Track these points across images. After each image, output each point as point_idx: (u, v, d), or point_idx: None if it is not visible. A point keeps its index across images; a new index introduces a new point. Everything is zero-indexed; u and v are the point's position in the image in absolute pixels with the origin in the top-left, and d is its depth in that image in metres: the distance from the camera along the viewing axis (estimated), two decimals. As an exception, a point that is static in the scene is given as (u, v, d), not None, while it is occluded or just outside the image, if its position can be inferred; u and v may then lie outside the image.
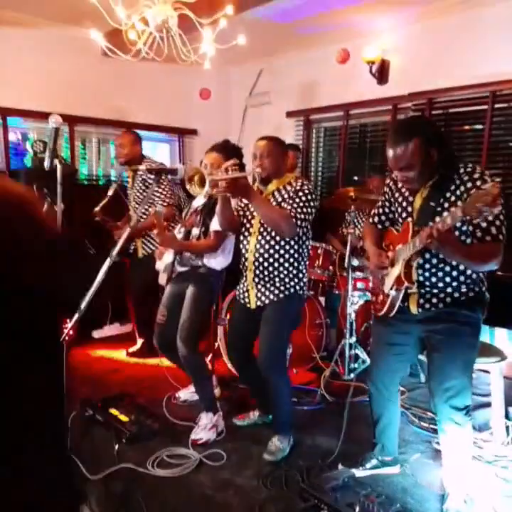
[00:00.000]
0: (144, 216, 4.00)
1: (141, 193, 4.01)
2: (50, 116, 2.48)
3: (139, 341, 4.26)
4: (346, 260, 3.79)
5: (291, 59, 5.61)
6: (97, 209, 4.02)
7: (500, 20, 3.97)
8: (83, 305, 2.05)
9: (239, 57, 5.59)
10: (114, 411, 3.02)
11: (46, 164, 2.53)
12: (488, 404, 3.02)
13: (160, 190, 3.90)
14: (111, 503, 2.50)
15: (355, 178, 5.31)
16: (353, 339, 3.79)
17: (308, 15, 4.47)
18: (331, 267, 4.12)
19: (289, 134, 5.58)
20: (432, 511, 2.30)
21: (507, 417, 2.98)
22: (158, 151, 6.45)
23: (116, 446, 2.71)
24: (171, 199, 3.94)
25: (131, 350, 4.28)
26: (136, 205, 4.05)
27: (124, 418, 2.94)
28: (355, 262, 3.81)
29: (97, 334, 4.63)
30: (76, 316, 2.06)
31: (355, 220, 4.37)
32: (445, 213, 2.10)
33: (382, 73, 4.77)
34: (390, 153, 2.14)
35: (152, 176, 3.77)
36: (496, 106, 4.14)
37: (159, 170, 2.84)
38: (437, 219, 2.10)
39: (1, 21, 4.56)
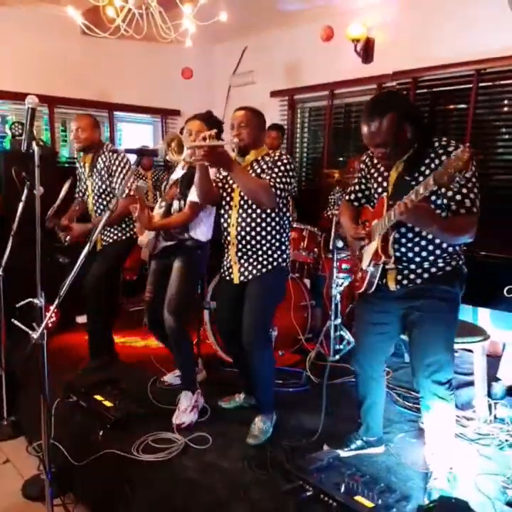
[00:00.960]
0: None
1: (103, 182, 3.57)
2: (27, 97, 2.41)
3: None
4: (331, 242, 3.77)
5: (276, 37, 5.53)
6: (50, 213, 3.51)
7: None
8: (62, 291, 2.03)
9: (221, 35, 5.50)
10: (98, 396, 3.00)
11: (23, 147, 2.46)
12: (471, 383, 3.05)
13: (124, 178, 3.51)
14: (96, 489, 2.49)
15: (340, 158, 5.28)
16: (338, 321, 3.79)
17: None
18: (315, 249, 4.11)
19: (273, 114, 5.52)
20: (416, 490, 2.32)
21: (489, 395, 3.02)
22: (140, 132, 6.35)
23: (101, 432, 2.69)
24: (130, 190, 3.49)
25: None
26: (97, 195, 3.62)
27: (108, 403, 2.92)
28: (340, 244, 3.79)
29: (80, 319, 4.59)
30: (56, 302, 2.04)
31: (340, 201, 4.35)
32: None
33: (367, 51, 4.72)
34: (365, 129, 2.12)
35: (116, 162, 3.52)
36: (481, 84, 4.12)
37: (139, 151, 2.79)
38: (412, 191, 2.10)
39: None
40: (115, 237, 3.64)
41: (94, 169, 3.60)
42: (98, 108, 5.39)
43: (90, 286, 3.56)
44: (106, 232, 3.63)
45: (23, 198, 2.94)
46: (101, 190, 3.59)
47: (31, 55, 4.85)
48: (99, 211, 3.62)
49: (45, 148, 4.77)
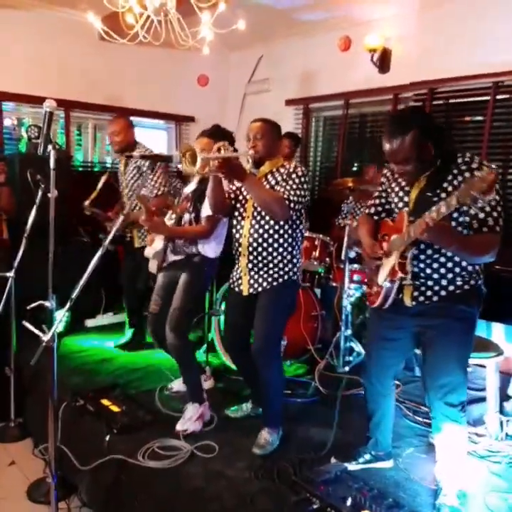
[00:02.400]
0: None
1: (134, 181, 3.85)
2: (45, 101, 2.43)
3: (129, 332, 4.19)
4: (343, 252, 3.75)
5: (292, 45, 5.54)
6: (86, 203, 3.85)
7: (504, 9, 3.91)
8: (74, 294, 2.03)
9: (238, 42, 5.53)
10: (105, 401, 2.99)
11: (39, 150, 2.48)
12: (483, 399, 3.00)
13: (154, 179, 3.72)
14: (101, 494, 2.48)
15: (354, 168, 5.27)
16: (349, 332, 3.76)
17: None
18: (327, 259, 4.08)
19: (288, 123, 5.51)
20: (425, 506, 2.28)
21: (501, 412, 2.97)
22: (154, 138, 6.37)
23: (107, 437, 2.67)
24: (163, 188, 3.73)
25: (119, 343, 4.16)
26: (129, 193, 3.91)
27: (115, 408, 2.91)
28: (352, 254, 3.77)
29: (90, 323, 4.60)
30: (68, 304, 2.04)
31: (353, 211, 4.33)
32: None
33: (383, 62, 4.71)
34: (387, 146, 2.10)
35: (147, 163, 3.71)
36: (498, 97, 4.09)
37: (155, 157, 2.80)
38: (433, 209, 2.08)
39: (-3, 3, 4.48)
40: None
41: (127, 168, 3.88)
42: (113, 113, 5.42)
43: (126, 285, 4.09)
44: (143, 231, 3.90)
45: (37, 200, 2.96)
46: (134, 188, 3.87)
47: (49, 59, 4.90)
48: (133, 207, 3.84)
49: (61, 151, 4.80)
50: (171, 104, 5.85)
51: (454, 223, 2.07)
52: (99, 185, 3.86)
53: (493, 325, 3.42)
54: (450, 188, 2.07)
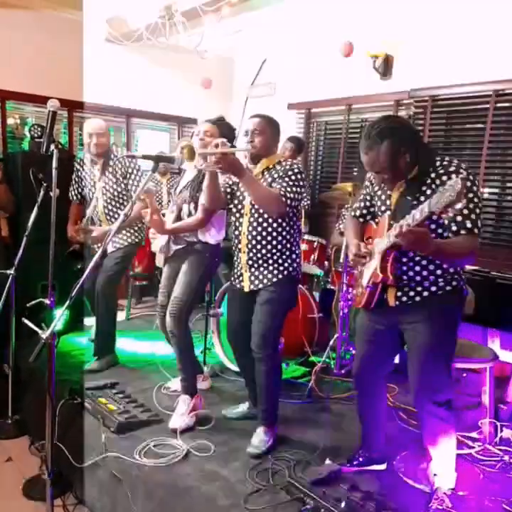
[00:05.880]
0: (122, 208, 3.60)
1: (117, 185, 3.57)
2: (49, 101, 2.46)
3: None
4: (342, 255, 3.77)
5: (295, 50, 5.56)
6: (81, 226, 3.62)
7: (506, 17, 3.94)
8: (73, 292, 2.05)
9: (242, 46, 5.56)
10: (103, 399, 3.01)
11: (42, 149, 2.51)
12: (477, 404, 3.02)
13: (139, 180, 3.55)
14: (96, 492, 2.50)
15: (355, 173, 5.29)
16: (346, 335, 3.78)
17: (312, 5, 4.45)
18: (326, 262, 4.11)
19: (289, 127, 5.54)
20: (418, 508, 2.28)
21: (496, 417, 2.99)
22: (156, 139, 6.40)
23: (104, 435, 2.69)
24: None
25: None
26: (110, 198, 3.60)
27: (112, 407, 2.92)
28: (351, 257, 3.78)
29: (88, 322, 4.60)
30: (67, 302, 2.06)
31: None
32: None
33: (385, 68, 4.74)
34: (364, 157, 2.16)
35: (132, 166, 3.53)
36: (498, 105, 4.12)
37: (157, 158, 2.81)
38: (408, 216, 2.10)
39: (3, 4, 4.51)
40: (124, 242, 3.67)
41: (106, 172, 3.58)
42: (116, 114, 5.47)
43: (102, 288, 3.57)
44: (115, 237, 3.60)
45: (39, 199, 2.99)
46: (116, 194, 3.59)
47: (53, 59, 4.93)
48: (111, 214, 3.63)
49: (64, 151, 4.82)
50: (173, 105, 5.89)
51: (433, 225, 2.09)
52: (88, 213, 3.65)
53: (488, 331, 3.43)
54: (429, 192, 2.08)
